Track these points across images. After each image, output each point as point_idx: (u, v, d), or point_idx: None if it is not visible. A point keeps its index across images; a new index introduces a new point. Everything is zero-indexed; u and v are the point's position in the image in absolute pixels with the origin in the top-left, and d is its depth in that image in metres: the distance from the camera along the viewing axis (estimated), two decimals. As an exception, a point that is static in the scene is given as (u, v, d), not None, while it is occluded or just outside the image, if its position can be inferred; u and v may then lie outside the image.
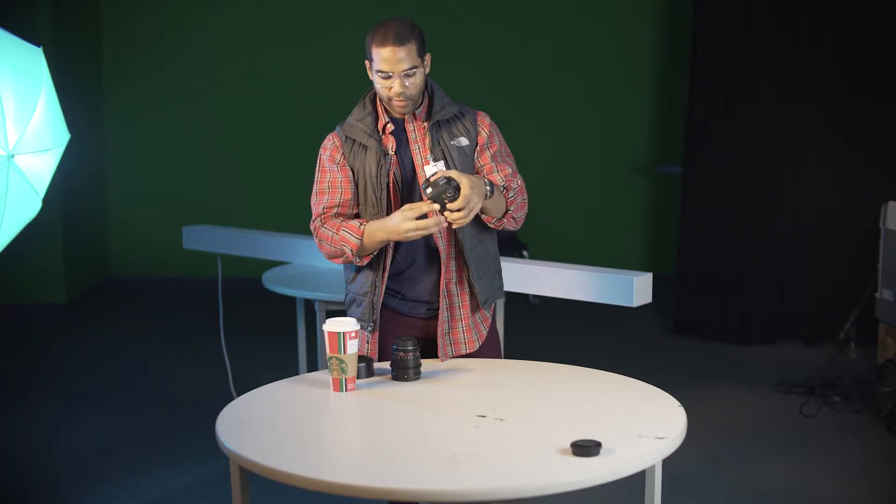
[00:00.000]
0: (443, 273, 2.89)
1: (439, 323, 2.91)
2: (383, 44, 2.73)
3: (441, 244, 2.88)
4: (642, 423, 2.36)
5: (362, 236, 2.79)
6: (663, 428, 2.32)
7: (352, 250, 2.81)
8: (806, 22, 6.07)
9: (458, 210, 2.66)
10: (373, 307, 2.90)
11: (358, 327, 2.63)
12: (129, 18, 7.74)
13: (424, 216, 2.69)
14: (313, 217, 2.90)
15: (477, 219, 2.86)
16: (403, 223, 2.70)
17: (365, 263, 2.88)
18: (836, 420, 4.89)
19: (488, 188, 2.75)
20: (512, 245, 6.98)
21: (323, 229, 2.86)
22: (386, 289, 2.92)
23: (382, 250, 2.87)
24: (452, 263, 2.90)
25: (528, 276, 4.08)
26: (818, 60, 6.07)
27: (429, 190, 2.69)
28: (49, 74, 2.90)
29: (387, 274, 2.89)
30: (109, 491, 4.11)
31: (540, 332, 6.41)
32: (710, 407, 5.08)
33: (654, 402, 2.53)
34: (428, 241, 2.88)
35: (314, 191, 2.91)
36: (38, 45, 2.95)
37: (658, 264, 7.53)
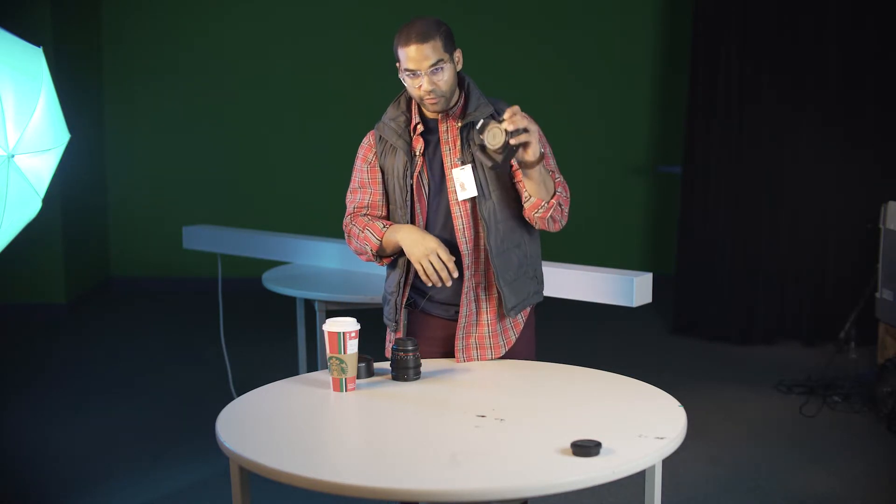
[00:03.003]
0: (467, 278, 2.85)
1: (459, 327, 2.87)
2: (407, 42, 2.71)
3: (466, 249, 2.83)
4: (642, 423, 2.36)
5: (381, 238, 2.83)
6: (663, 428, 2.32)
7: (371, 250, 2.86)
8: (806, 22, 6.08)
9: (511, 117, 2.55)
10: (396, 307, 2.90)
11: (358, 327, 2.63)
12: (129, 18, 7.74)
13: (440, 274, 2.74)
14: (346, 214, 2.95)
15: (515, 221, 2.84)
16: (433, 246, 2.72)
17: (385, 264, 2.92)
18: (836, 420, 4.89)
19: (540, 151, 2.65)
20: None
21: (352, 226, 2.91)
22: (417, 289, 2.91)
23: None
24: (481, 268, 2.86)
25: (528, 276, 4.07)
26: (818, 61, 6.08)
27: (479, 128, 2.59)
28: (49, 74, 2.90)
29: (411, 276, 2.88)
30: (109, 491, 4.11)
31: (540, 332, 6.40)
32: (710, 407, 5.08)
33: (654, 402, 2.53)
34: (454, 247, 2.85)
35: (350, 188, 2.96)
36: (38, 45, 2.95)
37: (658, 264, 7.53)
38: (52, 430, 4.84)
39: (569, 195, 2.84)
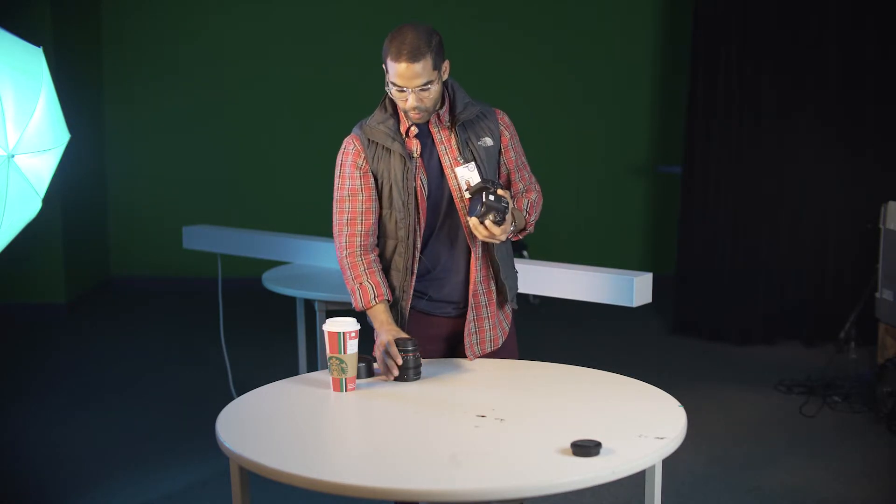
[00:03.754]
0: (472, 273, 2.88)
1: (467, 322, 2.89)
2: (398, 58, 2.65)
3: (473, 245, 2.86)
4: (642, 423, 2.36)
5: (367, 309, 2.81)
6: (663, 428, 2.32)
7: (354, 307, 2.85)
8: (806, 22, 6.08)
9: (489, 233, 2.69)
10: (400, 312, 2.87)
11: (358, 327, 2.63)
12: (129, 18, 7.74)
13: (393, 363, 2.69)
14: (337, 231, 2.84)
15: None
16: (386, 342, 2.68)
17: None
18: (836, 420, 4.89)
19: (512, 227, 2.78)
20: (511, 245, 6.97)
21: (345, 263, 2.83)
22: (413, 291, 2.90)
23: (409, 255, 2.83)
24: (479, 263, 2.88)
25: (528, 276, 4.07)
26: (818, 61, 6.08)
27: (491, 197, 2.67)
28: (49, 74, 2.90)
29: (414, 277, 2.86)
30: (109, 491, 4.11)
31: (540, 332, 6.41)
32: (710, 407, 5.08)
33: (654, 402, 2.53)
34: (454, 242, 2.87)
35: (335, 197, 2.84)
36: (38, 45, 2.95)
37: (658, 264, 7.53)
38: (51, 430, 4.84)
39: (540, 196, 3.01)
